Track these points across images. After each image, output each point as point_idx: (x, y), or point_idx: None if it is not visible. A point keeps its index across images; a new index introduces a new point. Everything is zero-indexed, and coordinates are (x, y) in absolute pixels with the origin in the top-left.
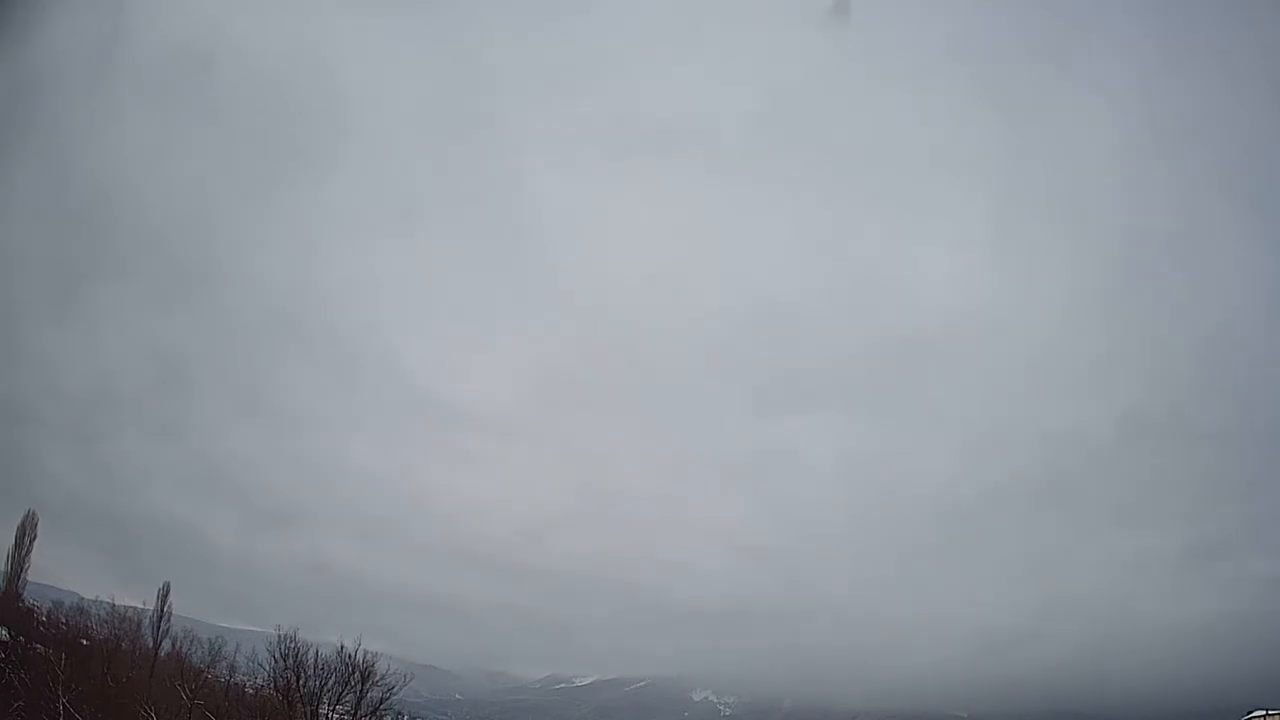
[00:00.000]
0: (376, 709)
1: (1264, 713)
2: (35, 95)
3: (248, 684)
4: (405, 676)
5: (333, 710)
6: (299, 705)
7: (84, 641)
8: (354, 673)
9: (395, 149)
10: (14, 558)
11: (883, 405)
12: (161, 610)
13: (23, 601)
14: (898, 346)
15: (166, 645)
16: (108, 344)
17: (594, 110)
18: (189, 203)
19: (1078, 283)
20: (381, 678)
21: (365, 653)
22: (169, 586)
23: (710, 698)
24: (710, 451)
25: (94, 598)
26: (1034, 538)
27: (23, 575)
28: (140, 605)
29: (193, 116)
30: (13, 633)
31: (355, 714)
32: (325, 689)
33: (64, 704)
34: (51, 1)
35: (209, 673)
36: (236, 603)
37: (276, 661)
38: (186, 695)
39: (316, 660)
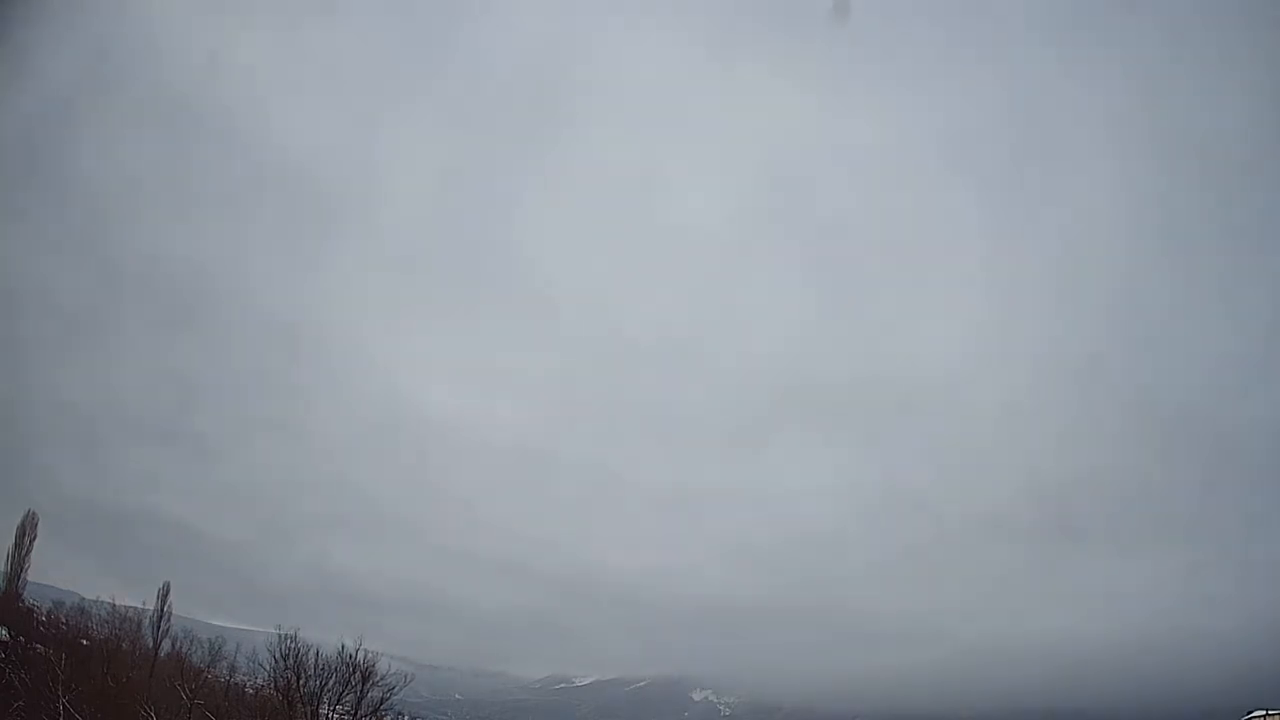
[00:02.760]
0: (377, 709)
1: (1264, 713)
2: (55, 139)
3: (248, 684)
4: (405, 676)
5: (333, 710)
6: (299, 705)
7: (84, 641)
8: (354, 673)
9: (414, 221)
10: (14, 558)
11: (877, 438)
12: (161, 610)
13: (23, 601)
14: (890, 389)
15: (166, 645)
16: (118, 361)
17: (610, 203)
18: (212, 249)
19: (1060, 340)
20: (382, 678)
21: (365, 653)
22: (169, 586)
23: (710, 698)
24: (715, 471)
25: (94, 598)
26: (1027, 551)
27: (23, 575)
28: (140, 605)
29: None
30: (13, 633)
31: (355, 714)
32: (325, 689)
33: (64, 704)
34: (69, 43)
35: (209, 673)
36: (236, 603)
37: (276, 661)
38: (186, 695)
39: (317, 660)
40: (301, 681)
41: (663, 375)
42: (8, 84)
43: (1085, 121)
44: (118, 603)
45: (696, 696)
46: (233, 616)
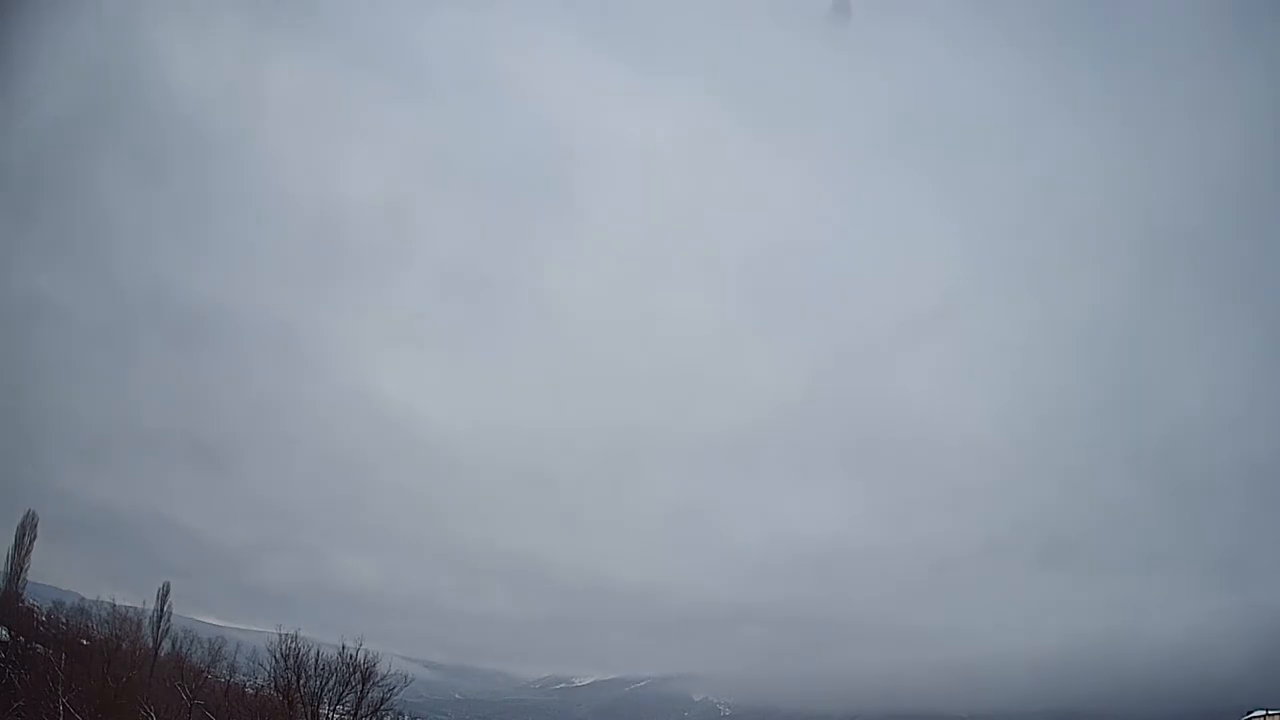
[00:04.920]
0: (377, 709)
1: (1264, 713)
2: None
3: (248, 684)
4: (405, 677)
5: (333, 710)
6: (299, 705)
7: (84, 641)
8: (354, 673)
9: (435, 260)
10: (14, 558)
11: (869, 470)
12: (161, 610)
13: (23, 601)
14: (886, 425)
15: (166, 645)
16: (132, 376)
17: (622, 252)
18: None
19: (1048, 384)
20: (382, 678)
21: (365, 653)
22: (169, 586)
23: (710, 698)
24: (719, 491)
25: (94, 598)
26: (1020, 568)
27: (23, 575)
28: (140, 605)
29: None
30: (13, 633)
31: (355, 714)
32: (326, 689)
33: (64, 704)
34: (107, 83)
35: (209, 673)
36: (236, 603)
37: (276, 661)
38: (186, 695)
39: (317, 660)
40: (301, 681)
41: (671, 401)
42: (40, 119)
43: (1076, 159)
44: (118, 603)
45: (696, 696)
46: (233, 617)
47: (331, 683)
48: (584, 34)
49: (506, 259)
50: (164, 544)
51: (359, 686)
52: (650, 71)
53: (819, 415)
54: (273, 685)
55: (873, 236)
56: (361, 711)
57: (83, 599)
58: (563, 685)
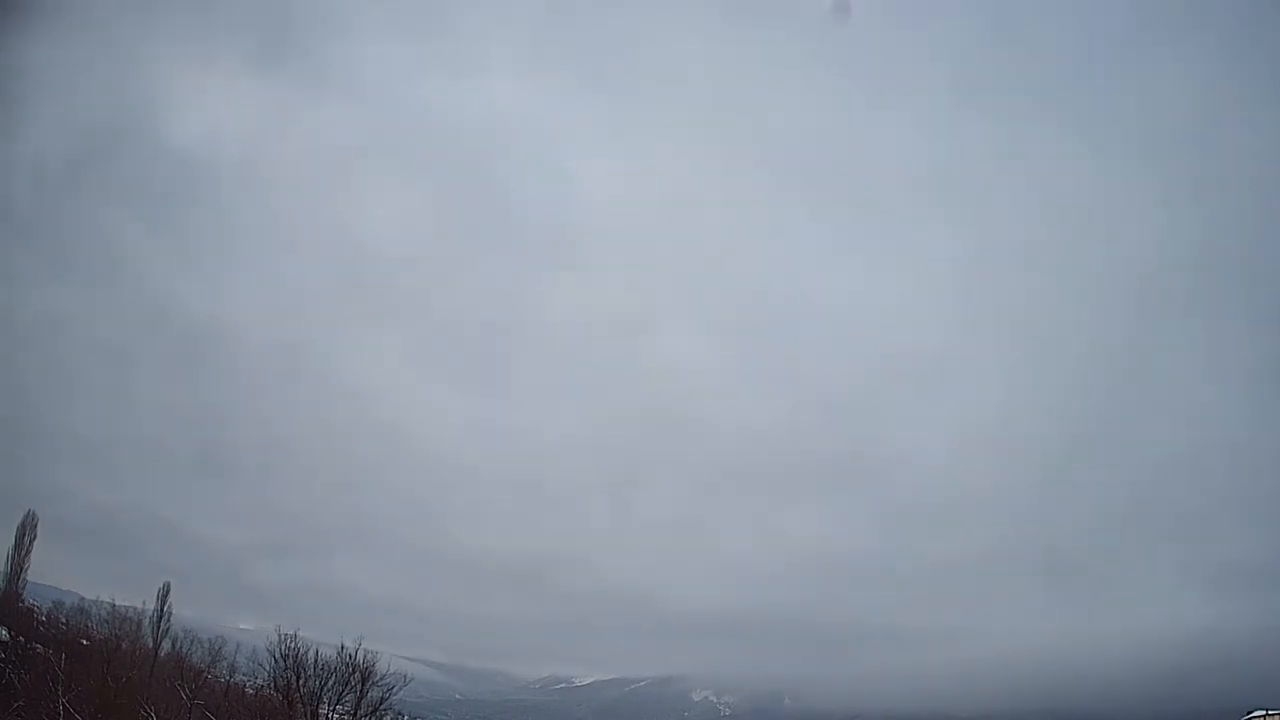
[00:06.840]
0: (376, 709)
1: (1264, 713)
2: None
3: (248, 684)
4: (405, 676)
5: (333, 710)
6: (299, 705)
7: (84, 641)
8: (354, 673)
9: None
10: (14, 558)
11: (865, 484)
12: (161, 610)
13: (23, 601)
14: (873, 448)
15: (166, 645)
16: (137, 387)
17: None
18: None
19: (1039, 406)
20: (381, 678)
21: (365, 652)
22: (169, 586)
23: (710, 698)
24: (722, 506)
25: (94, 598)
26: (1020, 576)
27: (23, 575)
28: (140, 605)
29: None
30: (13, 633)
31: (355, 714)
32: (325, 689)
33: (64, 704)
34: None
35: (209, 673)
36: (236, 603)
37: (276, 661)
38: (186, 695)
39: (316, 660)
40: (301, 681)
41: (669, 423)
42: (60, 141)
43: (1076, 189)
44: (118, 603)
45: (696, 696)
46: (233, 617)
47: (331, 682)
48: (588, 90)
49: (514, 297)
50: (164, 544)
51: (358, 686)
52: (648, 123)
53: (816, 437)
54: (272, 685)
55: (871, 276)
56: (361, 711)
57: (83, 599)
58: (563, 685)
